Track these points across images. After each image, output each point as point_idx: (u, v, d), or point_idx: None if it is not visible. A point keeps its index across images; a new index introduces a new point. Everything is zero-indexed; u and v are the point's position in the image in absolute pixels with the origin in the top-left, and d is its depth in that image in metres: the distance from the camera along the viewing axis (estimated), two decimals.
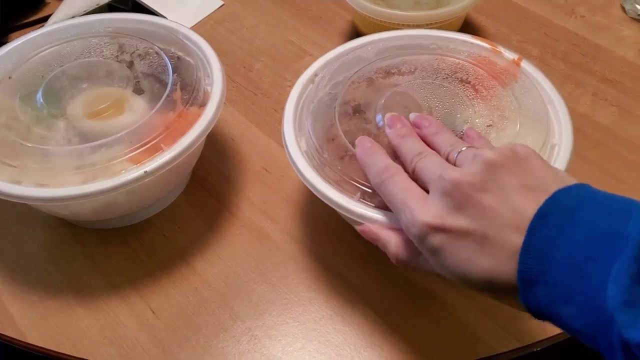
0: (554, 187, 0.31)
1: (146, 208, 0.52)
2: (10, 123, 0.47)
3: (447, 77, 0.47)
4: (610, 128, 0.59)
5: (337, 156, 0.43)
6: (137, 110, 0.48)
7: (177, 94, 0.48)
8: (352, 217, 0.40)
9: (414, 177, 0.37)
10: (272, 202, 0.54)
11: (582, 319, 0.28)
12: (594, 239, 0.28)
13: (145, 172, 0.43)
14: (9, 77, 0.51)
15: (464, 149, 0.36)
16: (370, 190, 0.40)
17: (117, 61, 0.52)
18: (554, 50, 0.68)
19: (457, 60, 0.49)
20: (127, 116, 0.48)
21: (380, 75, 0.49)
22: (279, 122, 0.46)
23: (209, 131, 0.47)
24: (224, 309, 0.47)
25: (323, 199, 0.42)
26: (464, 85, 0.47)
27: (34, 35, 0.55)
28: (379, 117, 0.44)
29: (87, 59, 0.52)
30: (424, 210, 0.34)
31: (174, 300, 0.48)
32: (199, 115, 0.47)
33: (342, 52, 0.51)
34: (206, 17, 0.75)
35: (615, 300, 0.25)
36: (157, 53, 0.52)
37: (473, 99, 0.46)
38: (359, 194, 0.41)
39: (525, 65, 0.49)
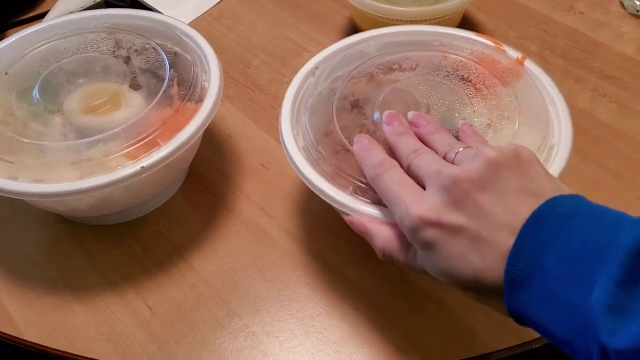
0: (550, 194, 0.32)
1: (143, 204, 0.52)
2: (6, 119, 0.47)
3: (448, 75, 0.47)
4: (610, 124, 0.58)
5: (333, 150, 0.43)
6: (133, 106, 0.48)
7: (174, 90, 0.48)
8: (344, 210, 0.40)
9: (409, 173, 0.37)
10: (269, 199, 0.54)
11: (563, 325, 0.28)
12: (585, 248, 0.28)
13: (142, 167, 0.43)
14: (5, 73, 0.51)
15: (461, 149, 0.36)
16: (363, 185, 0.40)
17: (114, 57, 0.52)
18: (552, 46, 0.67)
19: (460, 58, 0.49)
20: (124, 112, 0.47)
21: (380, 70, 0.48)
22: (277, 118, 0.46)
23: (206, 126, 0.46)
24: (221, 306, 0.47)
25: (316, 192, 0.41)
26: (464, 83, 0.46)
27: (30, 31, 0.54)
28: (376, 113, 0.44)
29: (83, 55, 0.52)
30: (419, 203, 0.34)
31: (170, 296, 0.47)
32: (196, 110, 0.47)
33: (343, 46, 0.51)
34: (203, 13, 0.74)
35: (598, 305, 0.26)
36: (154, 49, 0.52)
37: (473, 97, 0.45)
38: (351, 187, 0.41)
39: (528, 64, 0.48)
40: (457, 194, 0.33)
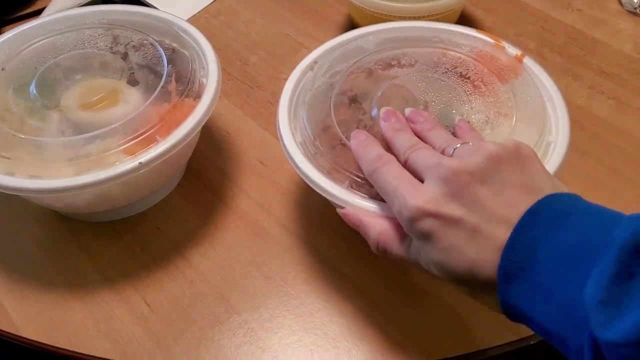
0: (548, 191, 0.32)
1: (141, 201, 0.52)
2: (3, 115, 0.47)
3: (446, 72, 0.47)
4: (608, 121, 0.59)
5: (330, 145, 0.43)
6: (131, 102, 0.48)
7: (172, 86, 0.48)
8: (341, 204, 0.40)
9: (407, 168, 0.37)
10: (268, 195, 0.53)
11: (556, 319, 0.28)
12: (579, 244, 0.28)
13: (140, 163, 0.43)
14: (2, 69, 0.50)
15: (459, 145, 0.36)
16: (359, 180, 0.40)
17: (112, 53, 0.52)
18: (550, 43, 0.67)
19: (459, 55, 0.49)
20: (122, 107, 0.47)
21: (379, 66, 0.48)
22: (275, 115, 0.46)
23: (204, 122, 0.46)
24: (220, 302, 0.46)
25: (312, 186, 0.41)
26: (463, 80, 0.46)
27: (27, 27, 0.54)
28: (374, 110, 0.44)
29: (81, 51, 0.52)
30: (418, 194, 0.34)
31: (169, 293, 0.47)
32: (194, 107, 0.47)
33: (343, 41, 0.51)
34: (201, 10, 0.74)
35: (591, 299, 0.26)
36: (151, 44, 0.52)
37: (471, 94, 0.45)
38: (347, 182, 0.41)
39: (527, 61, 0.48)
40: (456, 186, 0.33)
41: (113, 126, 0.45)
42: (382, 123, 0.42)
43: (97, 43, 0.52)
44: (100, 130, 0.45)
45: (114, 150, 0.44)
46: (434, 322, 0.45)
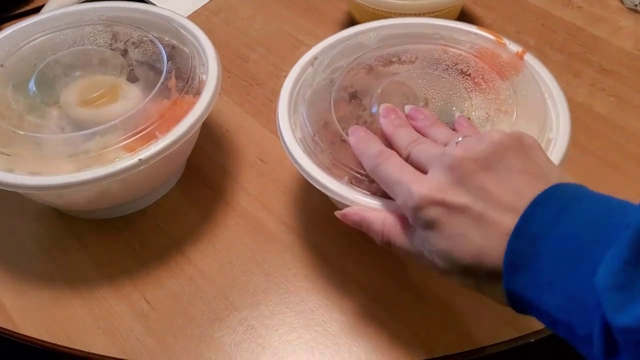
0: (554, 179, 0.32)
1: (140, 198, 0.52)
2: (2, 111, 0.47)
3: (447, 69, 0.47)
4: (608, 118, 0.58)
5: (330, 141, 0.43)
6: (131, 98, 0.48)
7: (172, 82, 0.48)
8: (340, 200, 0.40)
9: (409, 163, 0.37)
10: (268, 192, 0.53)
11: (562, 308, 0.28)
12: (587, 232, 0.28)
13: (140, 159, 0.43)
14: (1, 66, 0.50)
15: (460, 138, 0.36)
16: (359, 175, 0.40)
17: (111, 49, 0.51)
18: (551, 41, 0.67)
19: (459, 52, 0.48)
20: (121, 104, 0.47)
21: (380, 63, 0.48)
22: (275, 112, 0.46)
23: (204, 119, 0.46)
24: (220, 299, 0.46)
25: (311, 181, 0.41)
26: (463, 77, 0.46)
27: (26, 23, 0.54)
28: (374, 106, 0.44)
29: (80, 47, 0.52)
30: (423, 183, 0.34)
31: (168, 290, 0.47)
32: (194, 103, 0.47)
33: (343, 37, 0.51)
34: (201, 7, 0.74)
35: (604, 284, 0.25)
36: (151, 41, 0.52)
37: (471, 91, 0.45)
38: (346, 177, 0.41)
39: (528, 58, 0.48)
40: (461, 173, 0.33)
41: (113, 123, 0.45)
42: (381, 120, 0.42)
43: (96, 40, 0.52)
44: (99, 126, 0.44)
45: (113, 147, 0.43)
46: (435, 319, 0.45)
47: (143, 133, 0.44)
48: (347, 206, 0.39)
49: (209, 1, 0.75)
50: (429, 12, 0.61)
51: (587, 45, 0.67)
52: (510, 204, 0.31)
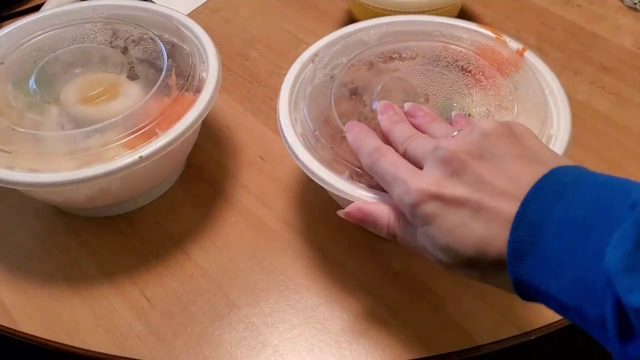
0: (551, 163, 0.31)
1: (140, 196, 0.51)
2: (2, 109, 0.47)
3: (447, 65, 0.47)
4: (608, 116, 0.58)
5: (330, 137, 0.43)
6: (131, 96, 0.47)
7: (172, 80, 0.48)
8: (341, 195, 0.40)
9: (406, 158, 0.37)
10: (268, 190, 0.53)
11: (572, 292, 0.27)
12: (591, 214, 0.28)
13: (140, 157, 0.42)
14: (1, 63, 0.50)
15: (455, 133, 0.36)
16: (360, 170, 0.40)
17: (111, 47, 0.51)
18: (551, 39, 0.67)
19: (460, 49, 0.48)
20: (122, 101, 0.47)
21: (380, 59, 0.48)
22: (275, 110, 0.46)
23: (204, 116, 0.46)
24: (220, 297, 0.46)
25: (312, 176, 0.41)
26: (464, 74, 0.46)
27: (26, 21, 0.54)
28: (375, 103, 0.44)
29: (80, 45, 0.52)
30: (419, 178, 0.33)
31: (169, 287, 0.47)
32: (194, 101, 0.47)
33: (344, 34, 0.51)
34: (200, 5, 0.74)
35: (615, 266, 0.25)
36: (151, 39, 0.51)
37: (472, 88, 0.45)
38: (347, 172, 0.41)
39: (528, 55, 0.48)
40: (455, 165, 0.32)
41: (113, 120, 0.45)
42: (379, 117, 0.42)
43: (96, 37, 0.52)
44: (100, 124, 0.44)
45: (113, 144, 0.43)
46: (436, 316, 0.45)
47: (143, 130, 0.44)
48: (349, 202, 0.39)
49: None
50: (429, 10, 0.61)
51: (587, 43, 0.67)
52: (507, 191, 0.31)
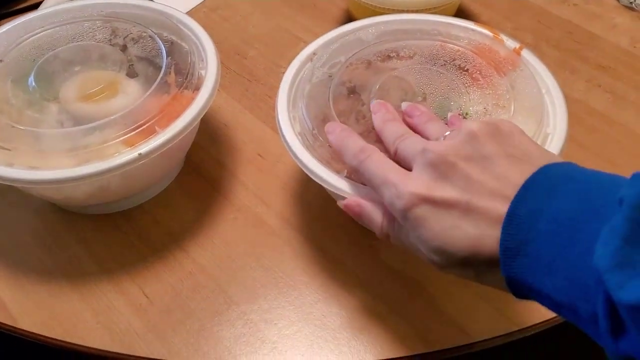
0: (539, 161, 0.32)
1: (140, 193, 0.52)
2: (2, 107, 0.47)
3: (445, 64, 0.47)
4: (605, 114, 0.59)
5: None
6: (130, 94, 0.48)
7: (172, 77, 0.48)
8: (339, 193, 0.40)
9: (396, 159, 0.37)
10: (266, 188, 0.54)
11: (564, 289, 0.28)
12: (580, 210, 0.28)
13: (140, 154, 0.43)
14: (0, 61, 0.50)
15: (448, 132, 0.36)
16: None
17: (111, 45, 0.52)
18: (547, 37, 0.68)
19: (457, 48, 0.49)
20: (121, 99, 0.47)
21: (378, 58, 0.48)
22: (274, 108, 0.46)
23: (203, 113, 0.46)
24: (219, 293, 0.46)
25: (310, 174, 0.41)
26: (461, 72, 0.47)
27: (25, 19, 0.54)
28: (373, 101, 0.44)
29: (79, 43, 0.52)
30: (408, 182, 0.34)
31: (167, 284, 0.47)
32: (193, 98, 0.47)
33: (342, 33, 0.51)
34: (199, 4, 0.74)
35: (604, 263, 0.25)
36: (150, 37, 0.52)
37: (469, 86, 0.46)
38: (345, 171, 0.41)
39: (525, 54, 0.49)
40: (444, 167, 0.33)
41: (112, 117, 0.45)
42: (373, 116, 0.42)
43: (95, 35, 0.52)
44: (99, 121, 0.45)
45: (113, 142, 0.44)
46: (434, 313, 0.45)
47: (142, 128, 0.44)
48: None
49: None
50: (426, 9, 0.61)
51: (583, 42, 0.67)
52: (497, 191, 0.31)
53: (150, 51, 0.51)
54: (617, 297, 0.24)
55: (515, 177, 0.31)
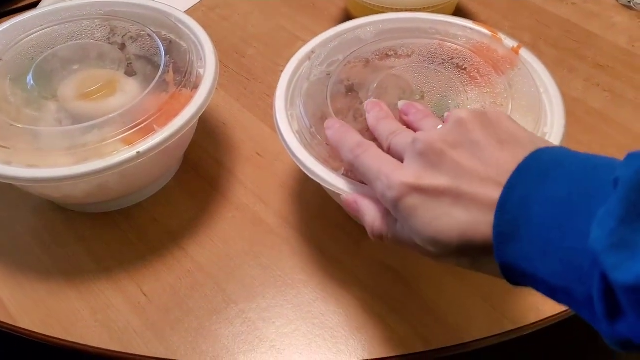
0: (530, 146, 0.31)
1: (138, 192, 0.52)
2: (0, 105, 0.47)
3: (443, 63, 0.47)
4: (603, 112, 0.59)
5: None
6: (129, 92, 0.48)
7: (170, 76, 0.48)
8: (336, 192, 0.40)
9: (391, 155, 0.37)
10: (265, 186, 0.54)
11: (559, 272, 0.27)
12: (574, 192, 0.28)
13: (138, 152, 0.43)
14: None
15: (440, 127, 0.36)
16: None
17: (109, 43, 0.52)
18: (546, 36, 0.68)
19: (455, 46, 0.49)
20: (119, 97, 0.47)
21: (376, 56, 0.48)
22: (272, 106, 0.46)
23: (202, 112, 0.46)
24: (217, 292, 0.46)
25: (307, 172, 0.42)
26: (459, 71, 0.47)
27: (24, 17, 0.54)
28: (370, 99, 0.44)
29: (78, 42, 0.52)
30: (399, 172, 0.34)
31: (166, 283, 0.47)
32: (191, 97, 0.47)
33: (340, 32, 0.51)
34: (198, 3, 0.74)
35: (600, 244, 0.25)
36: (149, 35, 0.52)
37: (467, 85, 0.46)
38: (342, 169, 0.41)
39: (523, 53, 0.49)
40: (433, 156, 0.33)
41: (111, 116, 0.45)
42: (367, 115, 0.42)
43: (94, 34, 0.52)
44: (97, 120, 0.45)
45: (111, 140, 0.44)
46: (431, 311, 0.45)
47: (141, 126, 0.44)
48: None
49: None
50: (424, 8, 0.61)
51: (582, 41, 0.67)
52: (488, 176, 0.31)
53: (148, 50, 0.51)
54: (613, 278, 0.24)
55: (506, 161, 0.31)
